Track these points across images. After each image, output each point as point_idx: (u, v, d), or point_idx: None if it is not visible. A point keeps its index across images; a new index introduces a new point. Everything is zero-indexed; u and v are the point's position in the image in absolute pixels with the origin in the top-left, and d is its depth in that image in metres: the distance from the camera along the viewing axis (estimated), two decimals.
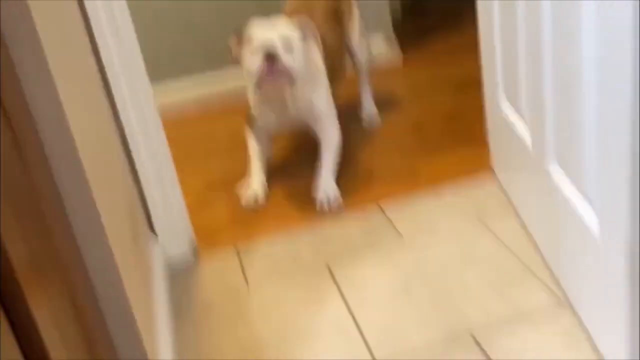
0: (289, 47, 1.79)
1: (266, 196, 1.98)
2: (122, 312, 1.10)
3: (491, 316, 1.37)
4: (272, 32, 1.80)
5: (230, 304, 1.57)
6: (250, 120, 2.07)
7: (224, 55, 2.05)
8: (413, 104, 2.49)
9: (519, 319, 1.36)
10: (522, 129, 1.54)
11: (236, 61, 1.88)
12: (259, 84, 1.81)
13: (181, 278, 1.69)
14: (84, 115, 1.16)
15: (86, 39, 1.49)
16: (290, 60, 1.79)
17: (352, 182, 2.00)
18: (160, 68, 2.65)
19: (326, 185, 1.92)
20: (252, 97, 2.00)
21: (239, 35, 1.85)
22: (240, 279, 1.65)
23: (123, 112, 1.60)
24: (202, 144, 2.42)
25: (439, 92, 2.55)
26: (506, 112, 1.66)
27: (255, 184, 1.99)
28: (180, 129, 2.54)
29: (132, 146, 1.63)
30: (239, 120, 2.36)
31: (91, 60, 1.49)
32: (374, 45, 2.90)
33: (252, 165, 2.04)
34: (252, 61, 1.79)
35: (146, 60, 1.65)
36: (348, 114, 2.43)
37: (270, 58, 1.75)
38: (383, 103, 2.54)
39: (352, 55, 2.34)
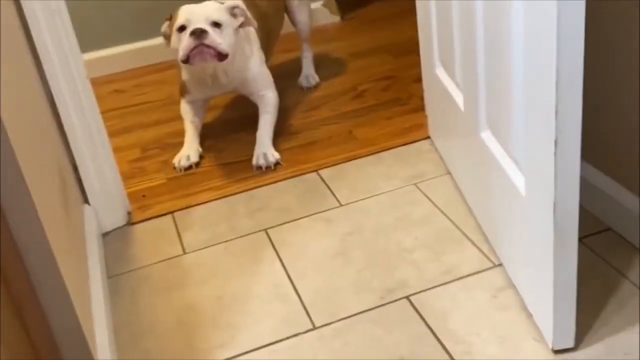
0: (217, 25, 1.80)
1: (200, 160, 1.98)
2: (53, 281, 1.07)
3: (425, 278, 1.41)
4: (200, 11, 1.81)
5: (167, 271, 1.55)
6: (182, 90, 2.08)
7: (156, 25, 2.01)
8: (352, 69, 2.50)
9: (452, 280, 1.39)
10: (457, 95, 1.56)
11: (170, 44, 1.89)
12: (187, 61, 1.80)
13: (116, 246, 1.66)
14: (11, 84, 1.12)
15: (13, 6, 1.43)
16: (218, 37, 1.79)
17: (290, 147, 2.00)
18: (92, 37, 2.58)
19: (265, 148, 1.93)
20: (183, 71, 2.02)
21: (170, 18, 1.88)
22: (176, 246, 1.63)
23: (53, 81, 1.55)
24: (137, 114, 2.36)
25: (378, 57, 2.57)
26: (441, 79, 1.68)
27: (187, 149, 1.99)
28: (114, 99, 2.49)
29: (63, 116, 1.59)
30: (172, 89, 2.33)
31: (18, 25, 1.44)
32: (315, 10, 2.90)
33: (186, 133, 2.05)
34: (180, 39, 1.80)
35: (78, 29, 1.60)
36: (287, 78, 2.43)
37: (198, 35, 1.76)
38: (322, 67, 2.54)
39: (292, 18, 2.36)
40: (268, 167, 1.89)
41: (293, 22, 2.38)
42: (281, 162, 1.92)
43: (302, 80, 2.41)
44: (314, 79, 2.41)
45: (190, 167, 1.95)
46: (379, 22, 2.95)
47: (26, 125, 1.20)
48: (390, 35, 2.75)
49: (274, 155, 1.91)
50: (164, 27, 1.92)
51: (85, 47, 1.76)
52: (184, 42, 1.78)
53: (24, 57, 1.41)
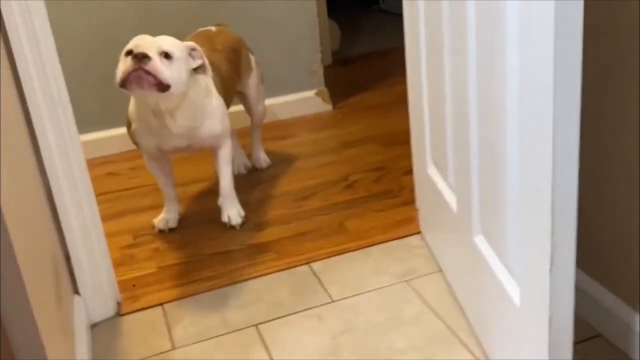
0: (167, 57, 1.72)
1: (178, 220, 2.12)
2: None
3: None
4: (152, 40, 1.74)
5: None
6: (132, 137, 1.98)
7: None
8: (344, 159, 2.54)
9: None
10: (449, 196, 1.59)
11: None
12: (123, 85, 1.69)
13: (104, 338, 1.63)
14: (11, 174, 1.13)
15: (14, 90, 1.46)
16: (162, 66, 1.69)
17: (281, 238, 2.00)
18: (88, 119, 2.61)
19: (232, 207, 2.07)
20: (130, 104, 1.93)
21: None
22: (165, 340, 1.61)
23: (50, 168, 1.56)
24: (130, 198, 2.37)
25: (370, 147, 2.62)
26: (433, 177, 1.71)
27: (166, 213, 2.11)
28: (108, 182, 2.50)
29: (59, 205, 1.59)
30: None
31: (17, 107, 1.46)
32: (307, 98, 2.98)
33: (162, 193, 2.12)
34: (123, 63, 1.71)
35: (75, 110, 1.61)
36: (278, 164, 2.46)
37: (139, 59, 1.67)
38: (314, 156, 2.58)
39: (247, 103, 2.39)
40: (236, 224, 2.06)
41: (247, 103, 2.38)
42: (244, 220, 2.08)
43: (260, 162, 2.50)
44: (266, 162, 2.51)
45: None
46: (369, 111, 3.02)
47: (25, 218, 1.20)
48: (381, 125, 2.81)
49: (240, 215, 2.07)
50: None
51: (82, 128, 1.76)
52: (124, 65, 1.69)
53: (23, 143, 1.43)
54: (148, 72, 1.67)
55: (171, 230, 2.09)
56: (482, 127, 1.30)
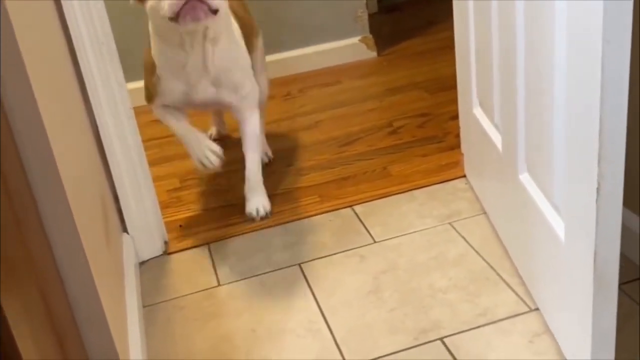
0: None
1: (220, 157, 1.80)
2: (94, 312, 1.09)
3: (460, 320, 1.40)
4: None
5: (202, 302, 1.57)
6: (151, 90, 1.79)
7: None
8: (388, 105, 2.52)
9: (487, 323, 1.38)
10: (495, 136, 1.56)
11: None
12: (176, 18, 1.53)
13: (152, 276, 1.68)
14: (59, 115, 1.16)
15: (62, 38, 1.48)
16: None
17: (326, 182, 2.01)
18: (136, 67, 2.63)
19: (257, 199, 1.86)
20: (157, 56, 1.71)
21: None
22: (211, 277, 1.65)
23: (98, 111, 1.59)
24: (176, 144, 2.39)
25: (415, 93, 2.58)
26: (479, 118, 1.68)
27: (200, 149, 1.79)
28: (154, 129, 2.53)
29: (107, 147, 1.63)
30: (207, 119, 2.36)
31: (67, 59, 1.49)
32: (352, 45, 2.95)
33: (179, 133, 1.83)
34: None
35: (122, 59, 1.64)
36: (320, 111, 2.46)
37: None
38: (358, 102, 2.56)
39: None
40: (261, 216, 1.84)
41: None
42: (270, 215, 1.85)
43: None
44: (268, 153, 2.16)
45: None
46: (415, 57, 2.97)
47: (74, 157, 1.24)
48: (427, 72, 2.77)
49: (264, 208, 1.85)
50: None
51: (129, 76, 1.79)
52: None
53: (72, 87, 1.46)
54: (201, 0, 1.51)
55: (218, 174, 1.98)
56: (528, 64, 1.27)
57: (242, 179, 1.95)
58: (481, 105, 1.68)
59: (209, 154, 1.78)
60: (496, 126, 1.56)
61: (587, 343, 1.14)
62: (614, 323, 1.12)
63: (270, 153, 2.19)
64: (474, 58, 1.66)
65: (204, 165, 1.79)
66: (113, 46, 1.60)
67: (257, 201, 1.86)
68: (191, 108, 1.86)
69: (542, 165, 1.26)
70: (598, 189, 1.00)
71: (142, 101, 2.63)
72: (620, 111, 0.97)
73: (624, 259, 1.43)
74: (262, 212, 1.86)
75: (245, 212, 1.86)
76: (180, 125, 1.81)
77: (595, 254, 1.05)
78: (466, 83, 1.76)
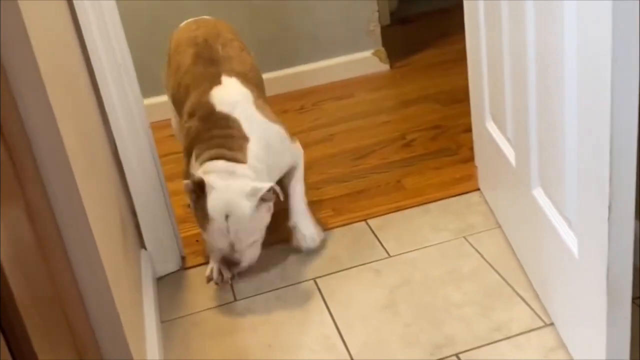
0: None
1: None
2: (113, 328, 1.12)
3: (474, 335, 1.40)
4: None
5: (218, 317, 1.59)
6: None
7: None
8: (401, 118, 2.53)
9: (502, 338, 1.38)
10: (508, 150, 1.57)
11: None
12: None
13: (169, 291, 1.71)
14: (77, 129, 1.19)
15: (79, 54, 1.51)
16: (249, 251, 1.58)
17: (340, 196, 2.03)
18: (153, 84, 2.67)
19: (309, 228, 1.76)
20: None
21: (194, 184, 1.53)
22: (228, 292, 1.67)
23: (116, 128, 1.62)
24: None
25: (427, 105, 2.59)
26: (492, 132, 1.69)
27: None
28: (171, 144, 2.56)
29: (124, 162, 1.65)
30: None
31: (84, 72, 1.52)
32: (364, 58, 2.97)
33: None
34: (214, 239, 1.56)
35: (139, 74, 1.67)
36: (337, 123, 2.47)
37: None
38: (371, 115, 2.57)
39: None
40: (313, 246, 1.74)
41: None
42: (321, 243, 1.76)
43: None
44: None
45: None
46: (428, 70, 2.98)
47: (94, 175, 1.26)
48: (439, 84, 2.78)
49: (319, 235, 1.76)
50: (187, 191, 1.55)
51: (146, 92, 1.82)
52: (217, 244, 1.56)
53: (90, 107, 1.49)
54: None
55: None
56: (540, 79, 1.28)
57: None
58: (494, 119, 1.69)
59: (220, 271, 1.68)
60: (509, 140, 1.56)
61: (602, 357, 1.14)
62: (628, 337, 1.12)
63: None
64: (486, 72, 1.67)
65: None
66: (131, 66, 1.64)
67: (310, 229, 1.76)
68: None
69: (555, 180, 1.27)
70: (610, 207, 1.01)
71: (158, 116, 2.68)
72: (630, 130, 0.97)
73: (637, 272, 1.44)
74: (315, 241, 1.75)
75: (295, 244, 1.76)
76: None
77: (608, 269, 1.06)
78: (479, 97, 1.77)
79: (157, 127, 1.77)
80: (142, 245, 1.73)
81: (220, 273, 1.66)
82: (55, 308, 0.93)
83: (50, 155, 0.97)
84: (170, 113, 2.07)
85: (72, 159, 1.01)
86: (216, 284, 1.67)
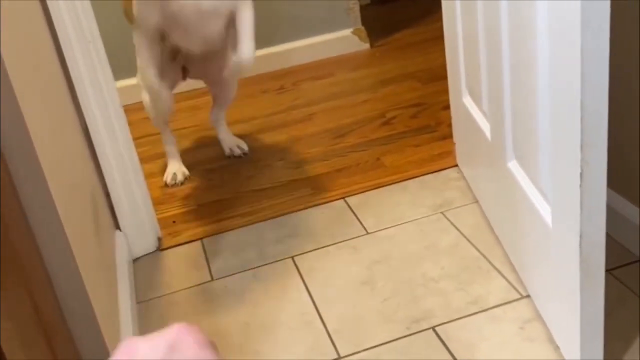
0: None
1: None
2: (83, 310, 1.10)
3: (451, 309, 1.40)
4: None
5: (195, 297, 1.57)
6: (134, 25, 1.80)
7: None
8: (381, 96, 2.51)
9: (478, 310, 1.38)
10: (484, 124, 1.56)
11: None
12: None
13: (146, 272, 1.69)
14: (44, 110, 1.16)
15: (49, 36, 1.48)
16: None
17: (318, 174, 2.01)
18: (126, 65, 2.63)
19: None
20: None
21: None
22: (205, 272, 1.65)
23: (87, 109, 1.59)
24: None
25: (407, 84, 2.58)
26: (469, 107, 1.68)
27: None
28: (147, 126, 2.53)
29: (96, 143, 1.63)
30: (205, 116, 2.36)
31: (54, 56, 1.49)
32: (344, 37, 2.94)
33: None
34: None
35: (111, 57, 1.64)
36: (317, 102, 2.45)
37: None
38: (352, 94, 2.56)
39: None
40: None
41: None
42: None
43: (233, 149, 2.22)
44: (242, 147, 2.22)
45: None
46: (407, 48, 2.96)
47: (60, 153, 1.24)
48: (419, 62, 2.77)
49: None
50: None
51: (118, 75, 1.80)
52: None
53: (59, 86, 1.46)
54: None
55: (188, 178, 2.09)
56: (514, 53, 1.27)
57: (232, 175, 1.99)
58: (470, 93, 1.68)
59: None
60: (484, 114, 1.56)
61: (576, 328, 1.14)
62: (602, 307, 1.12)
63: (245, 146, 2.22)
64: (462, 47, 1.66)
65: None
66: (100, 44, 1.60)
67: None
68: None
69: (529, 152, 1.27)
70: (581, 174, 1.00)
71: (133, 99, 2.64)
72: (601, 97, 0.97)
73: (615, 244, 1.44)
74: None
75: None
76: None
77: (580, 237, 1.05)
78: (456, 72, 1.76)
79: (131, 109, 1.75)
80: (117, 226, 1.70)
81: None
82: (20, 290, 0.91)
83: (12, 131, 0.94)
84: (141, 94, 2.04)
85: (36, 136, 0.98)
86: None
